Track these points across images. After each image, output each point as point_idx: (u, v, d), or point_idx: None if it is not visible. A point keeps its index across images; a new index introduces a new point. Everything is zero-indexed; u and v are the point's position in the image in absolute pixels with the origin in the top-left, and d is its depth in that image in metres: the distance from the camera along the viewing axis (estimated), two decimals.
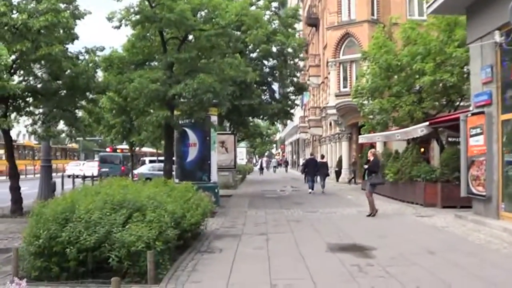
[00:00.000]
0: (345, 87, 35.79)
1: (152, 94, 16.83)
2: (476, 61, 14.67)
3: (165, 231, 8.53)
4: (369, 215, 16.21)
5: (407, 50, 21.67)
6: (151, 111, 18.68)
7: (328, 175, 29.98)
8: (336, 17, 36.07)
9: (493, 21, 13.23)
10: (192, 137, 18.94)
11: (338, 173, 38.18)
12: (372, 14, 34.21)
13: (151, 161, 43.46)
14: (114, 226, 8.12)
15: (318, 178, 28.52)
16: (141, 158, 49.84)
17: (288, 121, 55.71)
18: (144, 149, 52.66)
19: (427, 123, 19.03)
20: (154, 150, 51.16)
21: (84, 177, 32.10)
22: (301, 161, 57.66)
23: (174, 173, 19.41)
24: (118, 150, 49.11)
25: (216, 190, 18.55)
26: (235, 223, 15.02)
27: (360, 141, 29.44)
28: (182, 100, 17.99)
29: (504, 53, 13.11)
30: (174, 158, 19.68)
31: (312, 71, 48.13)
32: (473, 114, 14.75)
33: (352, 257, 9.73)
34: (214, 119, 19.51)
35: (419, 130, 19.27)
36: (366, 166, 18.08)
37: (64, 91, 17.32)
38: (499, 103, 13.52)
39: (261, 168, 62.28)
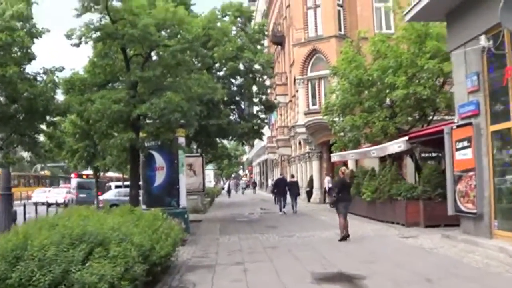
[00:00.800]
0: (314, 104, 35.09)
1: (115, 115, 15.92)
2: (460, 69, 13.89)
3: (131, 267, 7.56)
4: (340, 239, 15.14)
5: (378, 64, 21.13)
6: (115, 133, 17.68)
7: (299, 194, 29.32)
8: (302, 34, 35.50)
9: (477, 25, 12.51)
10: (159, 160, 17.88)
11: (309, 193, 37.39)
12: (340, 30, 33.68)
13: (117, 187, 42.56)
14: (72, 264, 7.17)
15: (289, 198, 27.69)
16: (107, 184, 48.59)
17: (256, 142, 54.91)
18: (110, 174, 51.45)
19: (406, 138, 18.14)
20: (120, 175, 49.93)
21: (48, 205, 30.67)
22: (270, 182, 56.74)
23: (141, 198, 18.29)
24: (83, 176, 47.83)
25: (185, 216, 17.55)
26: (208, 252, 13.99)
27: (332, 159, 28.70)
28: (147, 121, 17.06)
29: (491, 58, 12.37)
30: (140, 183, 18.58)
31: (279, 89, 47.33)
32: (458, 126, 13.89)
33: None
34: (181, 140, 18.53)
35: (397, 146, 18.42)
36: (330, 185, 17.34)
37: (22, 115, 16.12)
38: (487, 113, 12.70)
39: (229, 191, 61.06)
